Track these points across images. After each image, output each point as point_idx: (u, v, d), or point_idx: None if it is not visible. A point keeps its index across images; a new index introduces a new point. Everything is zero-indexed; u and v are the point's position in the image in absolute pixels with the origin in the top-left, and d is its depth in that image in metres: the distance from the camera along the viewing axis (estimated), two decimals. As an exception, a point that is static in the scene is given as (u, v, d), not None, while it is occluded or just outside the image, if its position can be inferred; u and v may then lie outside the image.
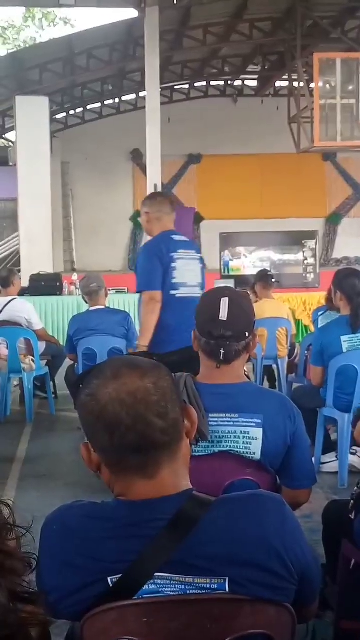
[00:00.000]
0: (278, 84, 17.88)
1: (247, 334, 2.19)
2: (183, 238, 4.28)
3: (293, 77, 15.13)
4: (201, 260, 4.30)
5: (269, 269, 8.47)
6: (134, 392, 1.29)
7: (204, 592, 1.31)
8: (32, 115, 12.34)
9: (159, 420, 1.29)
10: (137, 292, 4.28)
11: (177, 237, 4.21)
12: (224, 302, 2.16)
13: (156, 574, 1.30)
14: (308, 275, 10.30)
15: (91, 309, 5.74)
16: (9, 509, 1.03)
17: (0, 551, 0.95)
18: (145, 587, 1.30)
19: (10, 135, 17.91)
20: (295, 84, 14.95)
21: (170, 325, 4.05)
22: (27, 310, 6.38)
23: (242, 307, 2.21)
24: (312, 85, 12.98)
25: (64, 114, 18.75)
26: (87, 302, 5.83)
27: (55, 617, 1.29)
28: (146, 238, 4.44)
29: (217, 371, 2.19)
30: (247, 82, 18.90)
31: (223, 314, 2.15)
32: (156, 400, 1.30)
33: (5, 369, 6.10)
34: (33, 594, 0.98)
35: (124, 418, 1.28)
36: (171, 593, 1.31)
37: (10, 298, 6.43)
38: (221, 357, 2.17)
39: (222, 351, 2.16)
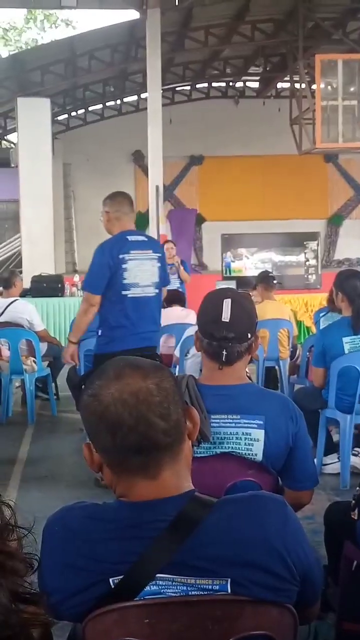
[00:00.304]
0: (280, 85, 17.89)
1: (249, 335, 2.18)
2: (139, 238, 4.32)
3: (295, 79, 15.15)
4: (160, 259, 4.32)
5: (270, 270, 8.48)
6: (136, 392, 1.29)
7: (206, 593, 1.30)
8: (34, 116, 12.37)
9: (161, 421, 1.29)
10: (82, 290, 4.36)
11: (132, 238, 4.23)
12: (227, 304, 2.16)
13: (158, 575, 1.29)
14: (310, 277, 10.30)
15: (92, 310, 5.74)
16: (11, 510, 1.02)
17: (1, 552, 0.95)
18: (147, 588, 1.30)
19: (12, 137, 17.95)
20: (297, 85, 14.96)
21: (124, 325, 4.17)
22: (28, 311, 6.38)
23: (244, 308, 2.20)
24: (314, 86, 12.99)
25: (66, 116, 18.77)
26: (88, 303, 5.82)
27: (56, 618, 1.29)
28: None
29: (219, 372, 2.19)
30: (248, 84, 18.92)
31: (225, 315, 2.15)
32: (158, 401, 1.30)
33: (7, 370, 6.10)
34: (35, 594, 0.98)
35: (126, 419, 1.28)
36: (173, 594, 1.30)
37: (11, 299, 6.44)
38: (223, 359, 2.16)
39: (224, 352, 2.15)
